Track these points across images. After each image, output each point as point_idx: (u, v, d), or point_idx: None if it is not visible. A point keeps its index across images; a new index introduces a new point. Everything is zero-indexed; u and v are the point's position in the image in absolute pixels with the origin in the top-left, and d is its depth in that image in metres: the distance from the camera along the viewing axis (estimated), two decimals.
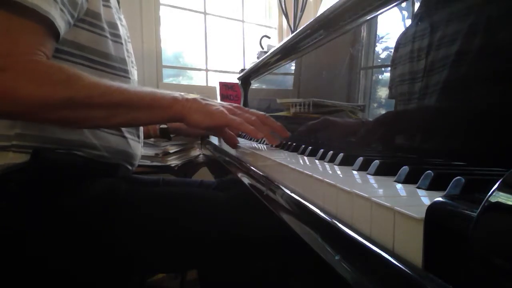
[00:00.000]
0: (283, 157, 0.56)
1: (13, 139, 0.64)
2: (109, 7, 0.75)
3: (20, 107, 0.56)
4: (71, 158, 0.69)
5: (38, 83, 0.56)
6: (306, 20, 0.82)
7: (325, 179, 0.35)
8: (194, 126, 0.71)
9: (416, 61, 0.48)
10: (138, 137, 0.85)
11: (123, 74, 0.78)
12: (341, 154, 0.46)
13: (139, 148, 0.85)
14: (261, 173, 0.55)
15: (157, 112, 0.66)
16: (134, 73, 0.86)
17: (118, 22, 0.78)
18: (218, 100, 1.91)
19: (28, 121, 0.64)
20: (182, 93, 0.70)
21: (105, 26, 0.72)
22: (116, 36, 0.77)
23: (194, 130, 1.15)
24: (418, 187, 0.30)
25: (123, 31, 0.80)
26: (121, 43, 0.78)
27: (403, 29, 0.53)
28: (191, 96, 0.70)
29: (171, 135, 1.20)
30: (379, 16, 0.58)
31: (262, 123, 0.72)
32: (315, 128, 0.77)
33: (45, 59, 0.58)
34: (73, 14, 0.64)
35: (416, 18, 0.50)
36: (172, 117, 0.69)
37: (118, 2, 0.84)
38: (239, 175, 0.68)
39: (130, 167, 0.82)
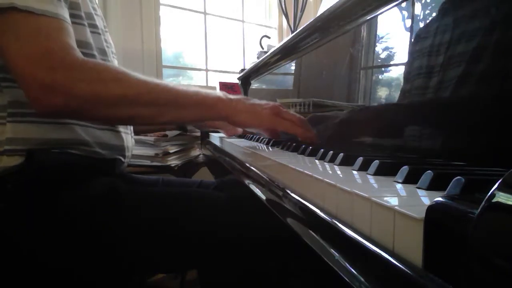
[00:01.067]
0: (283, 157, 0.56)
1: (5, 144, 0.63)
2: None
3: (74, 104, 0.58)
4: (66, 157, 0.68)
5: (89, 81, 0.58)
6: (306, 20, 0.82)
7: (325, 179, 0.35)
8: (239, 126, 0.76)
9: (416, 61, 0.48)
10: (127, 128, 0.84)
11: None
12: (341, 154, 0.46)
13: (130, 139, 0.85)
14: (260, 173, 0.55)
15: (202, 110, 0.69)
16: (115, 63, 0.85)
17: (93, 12, 0.77)
18: None
19: (77, 119, 0.66)
20: (226, 94, 0.72)
21: (83, 15, 0.71)
22: (94, 26, 0.75)
23: (226, 126, 1.10)
24: (418, 187, 0.30)
25: (99, 21, 0.78)
26: (99, 33, 0.76)
27: (402, 29, 0.53)
28: (235, 96, 0.72)
29: (188, 128, 1.20)
30: (379, 16, 0.58)
31: (302, 126, 0.73)
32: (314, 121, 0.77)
33: (81, 56, 0.60)
34: (67, 6, 0.66)
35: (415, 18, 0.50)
36: (216, 116, 0.71)
37: None
38: (240, 175, 0.68)
39: (123, 159, 0.81)
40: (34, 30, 0.57)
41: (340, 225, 0.30)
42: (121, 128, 0.80)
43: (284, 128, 0.71)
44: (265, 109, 0.71)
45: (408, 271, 0.21)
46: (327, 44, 0.76)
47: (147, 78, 0.64)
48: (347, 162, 0.45)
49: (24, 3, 0.57)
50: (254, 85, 1.39)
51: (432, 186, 0.29)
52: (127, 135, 0.83)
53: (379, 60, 0.60)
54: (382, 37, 0.58)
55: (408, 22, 0.52)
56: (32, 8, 0.57)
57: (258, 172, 0.57)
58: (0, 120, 0.64)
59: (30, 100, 0.58)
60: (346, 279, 0.26)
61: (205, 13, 2.06)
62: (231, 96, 0.71)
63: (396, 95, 0.54)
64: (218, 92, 0.71)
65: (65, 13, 0.62)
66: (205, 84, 2.09)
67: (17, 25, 0.57)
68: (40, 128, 0.65)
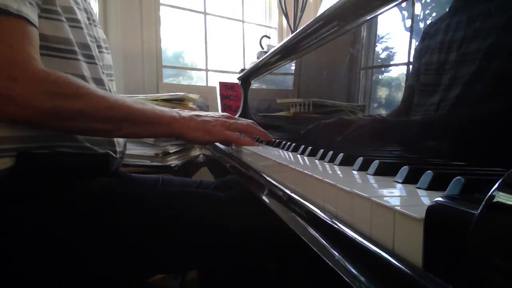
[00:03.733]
0: (283, 157, 0.56)
1: None
2: None
3: (29, 114, 0.58)
4: (57, 158, 0.67)
5: (49, 94, 0.58)
6: (306, 20, 0.82)
7: (325, 179, 0.35)
8: (193, 143, 0.80)
9: (417, 61, 0.48)
10: None
11: (88, 60, 0.75)
12: (341, 154, 0.46)
13: None
14: (261, 174, 0.55)
15: (157, 128, 0.72)
16: (106, 57, 0.84)
17: (75, 6, 0.74)
18: (218, 100, 1.92)
19: (33, 127, 0.64)
20: (179, 110, 0.76)
21: (60, 10, 0.69)
22: (73, 20, 0.73)
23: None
24: (418, 187, 0.30)
25: (82, 15, 0.76)
26: (81, 27, 0.74)
27: (402, 29, 0.53)
28: (186, 113, 0.76)
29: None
30: (379, 16, 0.58)
31: (251, 130, 0.81)
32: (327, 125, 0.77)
33: (44, 68, 0.59)
34: (39, 4, 0.64)
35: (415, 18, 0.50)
36: (172, 134, 0.74)
37: None
38: (240, 177, 0.68)
39: (115, 155, 0.80)
40: None
41: (340, 225, 0.30)
42: None
43: (233, 140, 0.79)
44: (215, 125, 0.77)
45: (408, 271, 0.21)
46: (327, 44, 0.76)
47: (106, 94, 0.66)
48: (347, 162, 0.45)
49: None
50: (254, 85, 1.39)
51: (432, 186, 0.29)
52: None
53: (379, 60, 0.60)
54: (382, 37, 0.58)
55: (408, 22, 0.52)
56: None
57: (258, 172, 0.57)
58: None
59: None
60: (346, 279, 0.26)
61: (205, 13, 2.06)
62: (184, 114, 0.75)
63: (396, 95, 0.54)
64: (172, 111, 0.75)
65: (29, 11, 0.59)
66: (205, 84, 2.09)
67: None
68: (22, 126, 0.63)
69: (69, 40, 0.70)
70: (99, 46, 0.80)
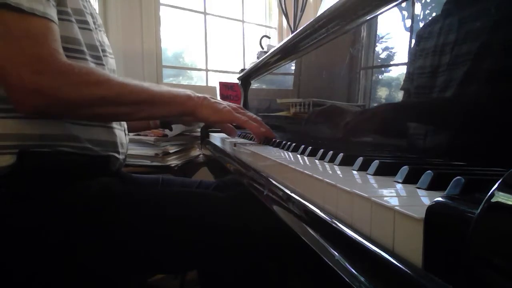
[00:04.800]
0: (283, 157, 0.56)
1: None
2: None
3: (59, 106, 0.63)
4: (59, 156, 0.68)
5: (74, 85, 0.62)
6: (306, 20, 0.82)
7: (325, 179, 0.35)
8: (202, 120, 0.85)
9: (417, 61, 0.48)
10: (121, 125, 0.84)
11: (96, 60, 0.77)
12: (341, 154, 0.46)
13: (123, 136, 0.84)
14: (261, 174, 0.55)
15: (173, 107, 0.76)
16: (110, 62, 0.86)
17: (84, 10, 0.76)
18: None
19: (61, 119, 0.69)
20: (193, 91, 0.80)
21: (70, 11, 0.71)
22: (83, 22, 0.75)
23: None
24: (418, 187, 0.30)
25: (89, 19, 0.78)
26: (90, 29, 0.77)
27: (403, 29, 0.53)
28: (201, 95, 0.80)
29: (172, 125, 1.22)
30: (379, 16, 0.58)
31: (258, 122, 0.85)
32: (320, 114, 0.78)
33: (67, 60, 0.63)
34: (54, 5, 0.67)
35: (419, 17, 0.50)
36: (185, 112, 0.78)
37: None
38: (241, 177, 0.68)
39: (117, 156, 0.80)
40: (23, 33, 0.59)
41: (340, 225, 0.30)
42: (114, 124, 0.80)
43: (241, 122, 0.81)
44: (226, 106, 0.81)
45: (408, 271, 0.21)
46: (327, 44, 0.76)
47: (125, 80, 0.70)
48: (347, 162, 0.45)
49: (16, 0, 0.58)
50: (254, 85, 1.39)
51: (432, 186, 0.29)
52: (120, 131, 0.82)
53: (379, 60, 0.59)
54: (382, 37, 0.58)
55: (408, 22, 0.52)
56: (22, 6, 0.58)
57: (258, 172, 0.57)
58: None
59: (12, 101, 0.61)
60: (346, 279, 0.26)
61: (205, 13, 2.06)
62: (198, 94, 0.79)
63: (396, 95, 0.54)
64: (187, 91, 0.79)
65: (52, 12, 0.63)
66: (205, 84, 2.09)
67: (5, 24, 0.58)
68: (30, 123, 0.65)
69: (78, 40, 0.72)
70: (103, 51, 0.82)
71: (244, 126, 0.82)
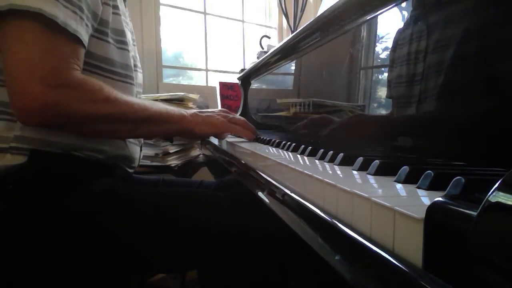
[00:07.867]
0: (283, 157, 0.56)
1: (12, 141, 0.64)
2: (118, 14, 0.76)
3: (64, 120, 0.63)
4: (70, 159, 0.69)
5: (84, 101, 0.63)
6: (306, 20, 0.82)
7: (325, 179, 0.34)
8: (200, 137, 0.91)
9: (414, 63, 0.48)
10: (138, 140, 0.85)
11: (127, 80, 0.79)
12: (341, 154, 0.46)
13: (137, 151, 0.85)
14: (261, 174, 0.55)
15: (171, 126, 0.78)
16: (138, 76, 0.88)
17: (125, 28, 0.78)
18: (218, 100, 1.92)
19: (63, 131, 0.68)
20: (185, 110, 0.83)
21: (110, 32, 0.73)
22: (122, 43, 0.77)
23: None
24: (418, 187, 0.30)
25: (129, 36, 0.80)
26: (127, 50, 0.78)
27: (401, 29, 0.53)
28: (190, 110, 0.83)
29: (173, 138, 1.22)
30: (379, 16, 0.58)
31: (246, 126, 0.90)
32: (314, 122, 0.79)
33: (82, 75, 0.63)
34: (93, 25, 0.68)
35: (412, 19, 0.50)
36: (182, 130, 0.81)
37: (125, 4, 0.84)
38: (241, 176, 0.68)
39: (129, 170, 0.82)
40: (49, 48, 0.58)
41: (340, 225, 0.29)
42: (131, 139, 0.81)
43: (237, 132, 0.87)
44: (219, 119, 0.85)
45: (408, 271, 0.21)
46: (327, 44, 0.76)
47: (129, 98, 0.71)
48: (347, 162, 0.45)
49: (50, 11, 0.57)
50: (254, 85, 1.39)
51: (432, 186, 0.29)
52: (135, 146, 0.84)
53: (379, 60, 0.59)
54: (382, 37, 0.58)
55: (408, 22, 0.52)
56: (58, 19, 0.57)
57: (258, 172, 0.57)
58: (10, 117, 0.65)
59: (18, 109, 0.59)
60: (346, 279, 0.26)
61: (205, 13, 2.06)
62: (190, 111, 0.83)
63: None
64: (180, 109, 0.82)
65: (82, 31, 0.63)
66: (205, 84, 2.09)
67: (34, 33, 0.57)
68: (45, 130, 0.66)
69: (112, 61, 0.74)
70: (135, 66, 0.85)
71: (239, 135, 0.88)
